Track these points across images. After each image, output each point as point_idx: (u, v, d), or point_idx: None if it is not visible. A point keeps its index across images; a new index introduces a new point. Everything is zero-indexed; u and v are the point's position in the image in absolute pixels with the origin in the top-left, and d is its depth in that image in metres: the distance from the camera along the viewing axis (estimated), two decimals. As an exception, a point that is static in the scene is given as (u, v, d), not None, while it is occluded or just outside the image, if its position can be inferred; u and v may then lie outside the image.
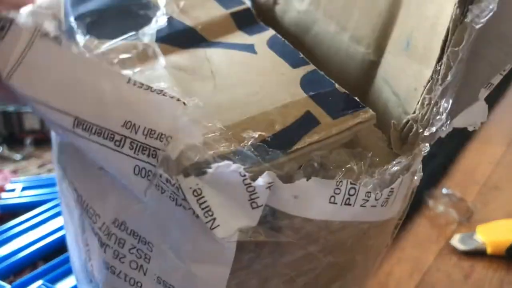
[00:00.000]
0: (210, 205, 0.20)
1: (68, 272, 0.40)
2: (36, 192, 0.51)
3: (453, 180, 0.56)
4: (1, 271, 0.40)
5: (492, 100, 0.81)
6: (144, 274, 0.23)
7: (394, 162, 0.23)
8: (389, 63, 0.28)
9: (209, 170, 0.20)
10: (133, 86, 0.22)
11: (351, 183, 0.21)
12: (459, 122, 0.24)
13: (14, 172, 0.57)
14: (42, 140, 0.62)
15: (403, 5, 0.27)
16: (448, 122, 0.23)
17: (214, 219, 0.20)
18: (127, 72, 0.25)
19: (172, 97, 0.22)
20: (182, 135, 0.21)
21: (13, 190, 0.51)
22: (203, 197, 0.20)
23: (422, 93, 0.24)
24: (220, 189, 0.20)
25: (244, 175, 0.20)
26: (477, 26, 0.22)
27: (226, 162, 0.20)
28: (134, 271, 0.23)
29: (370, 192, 0.22)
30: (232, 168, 0.20)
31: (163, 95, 0.22)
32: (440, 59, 0.23)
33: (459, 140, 0.66)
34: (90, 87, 0.23)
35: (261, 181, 0.20)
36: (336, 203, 0.22)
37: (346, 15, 0.30)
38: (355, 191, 0.22)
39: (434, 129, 0.23)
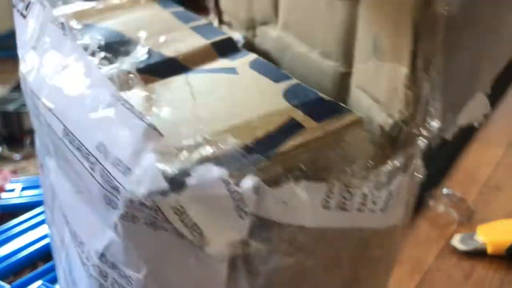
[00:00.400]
0: (196, 221, 0.18)
1: (68, 272, 0.40)
2: (35, 192, 0.51)
3: (454, 180, 0.56)
4: (1, 271, 0.40)
5: (492, 102, 0.81)
6: None
7: (389, 163, 0.22)
8: (361, 70, 0.27)
9: (189, 182, 0.18)
10: (117, 102, 0.21)
11: (345, 186, 0.20)
12: (463, 119, 0.24)
13: (14, 172, 0.57)
14: (42, 140, 0.63)
15: (360, 12, 0.27)
16: (447, 122, 0.23)
17: (202, 235, 0.18)
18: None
19: (141, 119, 0.20)
20: (146, 159, 0.19)
21: (12, 190, 0.51)
22: (187, 214, 0.18)
23: (404, 91, 0.23)
24: (203, 202, 0.18)
25: (228, 182, 0.18)
26: (448, 13, 0.20)
27: (207, 166, 0.18)
28: None
29: (366, 195, 0.21)
30: (214, 173, 0.18)
31: (142, 120, 0.20)
32: (414, 53, 0.22)
33: (459, 141, 0.66)
34: (78, 98, 0.23)
35: (246, 185, 0.18)
36: (329, 209, 0.20)
37: (312, 34, 0.30)
38: (350, 195, 0.20)
39: (433, 126, 0.22)
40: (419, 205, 0.51)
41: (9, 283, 0.39)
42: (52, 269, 0.40)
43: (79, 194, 0.23)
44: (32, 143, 0.61)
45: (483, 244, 0.43)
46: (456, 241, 0.44)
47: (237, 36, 0.34)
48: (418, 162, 0.23)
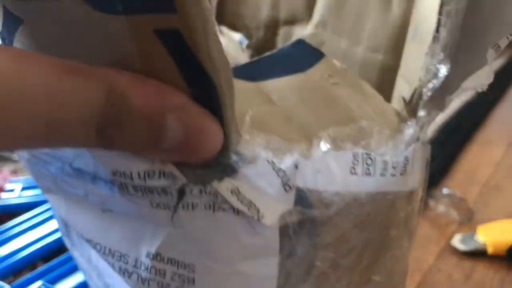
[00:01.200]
0: (251, 199, 0.20)
1: (68, 273, 0.40)
2: (35, 192, 0.51)
3: (454, 180, 0.56)
4: (0, 271, 0.40)
5: (492, 101, 0.81)
6: None
7: (404, 131, 0.24)
8: (404, 60, 0.29)
9: (240, 165, 0.20)
10: None
11: (366, 154, 0.22)
12: (468, 84, 0.25)
13: (14, 172, 0.57)
14: (41, 140, 0.62)
15: (415, 8, 0.28)
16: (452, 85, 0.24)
17: (258, 210, 0.20)
18: None
19: None
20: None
21: (12, 190, 0.51)
22: (241, 193, 0.20)
23: (425, 58, 0.24)
24: (254, 182, 0.20)
25: (273, 162, 0.21)
26: None
27: (253, 150, 0.20)
28: None
29: (387, 162, 0.23)
30: (260, 156, 0.20)
31: None
32: (437, 29, 0.23)
33: (459, 140, 0.66)
34: None
35: (287, 162, 0.21)
36: (357, 174, 0.22)
37: (357, 31, 0.31)
38: (372, 161, 0.22)
39: (437, 91, 0.23)
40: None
41: (9, 283, 0.38)
42: (52, 269, 0.40)
43: (105, 213, 0.23)
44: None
45: (483, 244, 0.43)
46: (457, 241, 0.44)
47: (239, 36, 0.34)
48: (427, 131, 0.25)
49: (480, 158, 0.62)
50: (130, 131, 0.16)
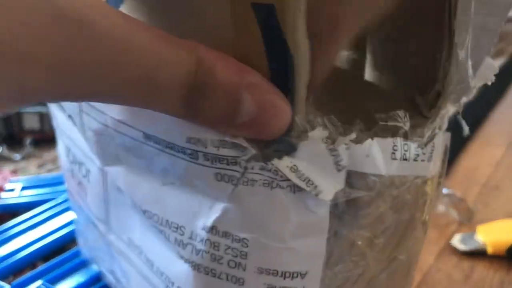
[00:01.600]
0: (309, 176, 0.22)
1: (68, 272, 0.40)
2: (35, 192, 0.51)
3: (454, 180, 0.56)
4: (0, 271, 0.40)
5: (492, 101, 0.81)
6: (244, 270, 0.24)
7: (431, 123, 0.25)
8: None
9: (299, 144, 0.22)
10: None
11: (403, 141, 0.24)
12: (479, 80, 0.26)
13: (14, 172, 0.57)
14: (41, 140, 0.62)
15: None
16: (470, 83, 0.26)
17: (316, 186, 0.22)
18: None
19: None
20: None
21: (12, 190, 0.51)
22: (300, 171, 0.22)
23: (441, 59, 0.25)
24: (310, 162, 0.22)
25: (326, 141, 0.22)
26: None
27: (310, 132, 0.22)
28: (233, 270, 0.24)
29: (419, 148, 0.25)
30: (316, 135, 0.22)
31: None
32: (449, 22, 0.24)
33: (459, 140, 0.66)
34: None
35: (341, 143, 0.22)
36: (396, 159, 0.24)
37: None
38: (408, 147, 0.24)
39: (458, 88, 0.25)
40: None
41: (9, 283, 0.38)
42: (52, 268, 0.40)
43: (166, 186, 0.25)
44: (32, 143, 0.62)
45: (483, 244, 0.43)
46: (456, 241, 0.44)
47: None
48: (447, 121, 0.27)
49: (480, 158, 0.62)
50: (211, 104, 0.18)
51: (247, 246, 0.23)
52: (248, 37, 0.20)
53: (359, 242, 0.25)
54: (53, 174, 0.56)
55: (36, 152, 0.61)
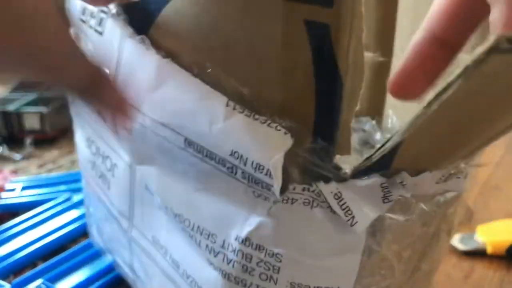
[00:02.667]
0: (349, 206, 0.22)
1: (68, 271, 0.40)
2: (36, 192, 0.51)
3: (453, 181, 0.56)
4: (0, 271, 0.40)
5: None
6: (275, 284, 0.24)
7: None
8: (400, 57, 0.30)
9: (349, 179, 0.22)
10: (233, 111, 0.22)
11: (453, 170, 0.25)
12: None
13: (14, 172, 0.57)
14: (42, 140, 0.62)
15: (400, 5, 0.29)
16: None
17: (353, 217, 0.22)
18: None
19: (278, 130, 0.21)
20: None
21: (13, 190, 0.51)
22: (343, 199, 0.22)
23: None
24: (357, 192, 0.22)
25: (382, 178, 0.22)
26: None
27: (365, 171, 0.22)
28: (264, 282, 0.24)
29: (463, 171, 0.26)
30: (372, 180, 0.22)
31: (268, 125, 0.21)
32: None
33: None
34: (195, 112, 0.23)
35: (396, 179, 0.22)
36: (438, 183, 0.24)
37: None
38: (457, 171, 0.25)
39: None
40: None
41: (9, 282, 0.38)
42: (52, 268, 0.40)
43: (199, 192, 0.25)
44: (32, 143, 0.62)
45: (483, 244, 0.43)
46: (456, 241, 0.44)
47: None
48: None
49: (480, 158, 0.62)
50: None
51: (280, 261, 0.23)
52: (296, 52, 0.20)
53: (389, 256, 0.25)
54: (53, 174, 0.56)
55: (37, 152, 0.61)
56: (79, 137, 0.37)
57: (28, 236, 0.44)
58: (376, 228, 0.23)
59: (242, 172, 0.22)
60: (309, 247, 0.23)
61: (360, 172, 0.22)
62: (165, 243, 0.29)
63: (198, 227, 0.25)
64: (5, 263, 0.41)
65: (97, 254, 0.41)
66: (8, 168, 0.57)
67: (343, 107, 0.20)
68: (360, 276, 0.24)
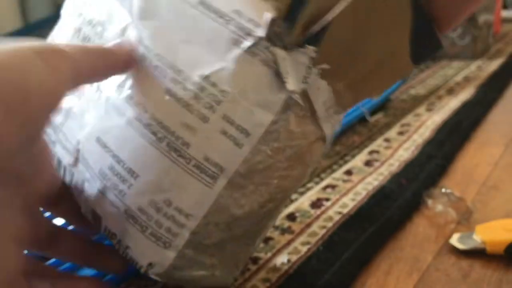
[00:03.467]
0: (288, 70, 0.30)
1: (67, 270, 0.40)
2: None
3: (452, 180, 0.56)
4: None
5: (491, 101, 0.81)
6: (213, 112, 0.30)
7: None
8: None
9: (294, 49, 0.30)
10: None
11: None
12: None
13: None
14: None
15: None
16: None
17: (288, 78, 0.30)
18: None
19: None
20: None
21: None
22: (286, 65, 0.30)
23: None
24: (295, 66, 0.30)
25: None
26: None
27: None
28: (205, 109, 0.30)
29: None
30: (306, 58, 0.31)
31: None
32: None
33: (457, 140, 0.66)
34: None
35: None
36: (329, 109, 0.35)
37: None
38: None
39: None
40: (418, 204, 0.51)
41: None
42: (52, 267, 0.40)
43: (185, 43, 0.31)
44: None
45: (481, 243, 0.43)
46: (455, 240, 0.44)
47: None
48: None
49: (479, 158, 0.62)
50: None
51: (224, 97, 0.30)
52: None
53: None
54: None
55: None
56: (61, 32, 0.39)
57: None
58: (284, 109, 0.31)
59: (235, 23, 0.30)
60: (249, 92, 0.30)
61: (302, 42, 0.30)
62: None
63: (172, 64, 0.31)
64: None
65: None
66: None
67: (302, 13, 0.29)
68: (266, 136, 0.31)
